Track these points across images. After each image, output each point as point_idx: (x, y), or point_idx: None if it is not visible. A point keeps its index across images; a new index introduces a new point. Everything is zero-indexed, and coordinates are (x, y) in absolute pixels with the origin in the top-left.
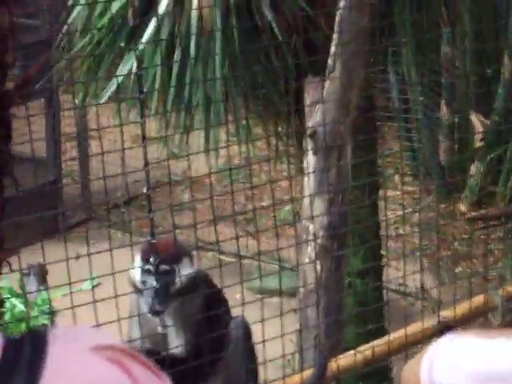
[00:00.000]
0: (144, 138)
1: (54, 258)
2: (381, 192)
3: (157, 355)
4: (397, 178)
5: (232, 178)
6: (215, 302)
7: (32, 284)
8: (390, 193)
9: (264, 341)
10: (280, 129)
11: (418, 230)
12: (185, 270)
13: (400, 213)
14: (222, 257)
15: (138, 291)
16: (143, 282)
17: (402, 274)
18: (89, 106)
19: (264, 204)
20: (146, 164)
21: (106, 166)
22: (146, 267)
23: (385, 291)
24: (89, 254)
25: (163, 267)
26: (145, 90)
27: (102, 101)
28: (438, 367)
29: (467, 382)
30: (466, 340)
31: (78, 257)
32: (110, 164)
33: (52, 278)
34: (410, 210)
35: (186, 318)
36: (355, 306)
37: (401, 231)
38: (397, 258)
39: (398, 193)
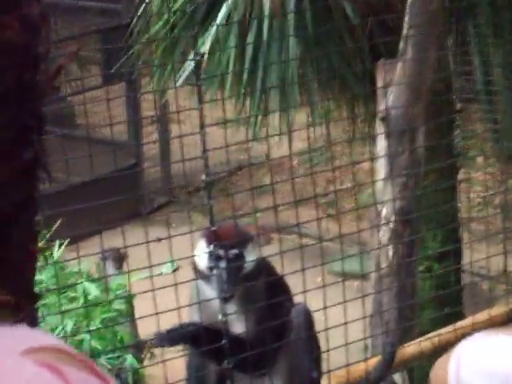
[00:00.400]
0: (202, 125)
1: (134, 241)
2: (464, 174)
3: (219, 336)
4: (480, 160)
5: (313, 161)
6: (277, 288)
7: (109, 268)
8: (473, 175)
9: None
10: (357, 111)
11: (502, 211)
12: (251, 255)
13: (483, 195)
14: (304, 240)
15: (204, 277)
16: (211, 268)
17: (484, 256)
18: (165, 89)
19: (345, 186)
20: (204, 151)
21: (187, 148)
22: (216, 252)
23: (465, 274)
24: (170, 237)
25: (232, 252)
26: (219, 72)
27: (178, 84)
28: (466, 365)
29: (492, 382)
30: (497, 339)
31: (158, 240)
32: (190, 147)
33: (132, 261)
34: (493, 191)
35: (249, 304)
36: (433, 289)
37: (484, 213)
38: (479, 240)
39: (481, 175)
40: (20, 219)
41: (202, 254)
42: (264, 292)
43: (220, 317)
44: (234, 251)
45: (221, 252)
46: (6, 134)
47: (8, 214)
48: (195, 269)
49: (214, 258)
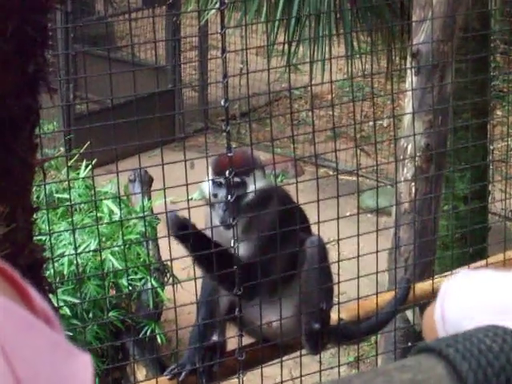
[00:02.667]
0: (224, 50)
1: (168, 165)
2: (501, 118)
3: (229, 259)
4: None
5: (352, 94)
6: (291, 218)
7: (136, 190)
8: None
9: (358, 256)
10: (392, 47)
11: None
12: (256, 183)
13: None
14: (337, 176)
15: (210, 204)
16: (214, 195)
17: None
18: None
19: (382, 123)
20: (225, 76)
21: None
22: (217, 180)
23: (493, 217)
24: (207, 156)
25: (234, 180)
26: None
27: (213, 11)
28: (451, 305)
29: (480, 315)
30: (480, 274)
31: (192, 164)
32: (229, 75)
33: (162, 185)
34: None
35: (257, 231)
36: (458, 230)
37: None
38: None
39: None
40: (21, 131)
41: (206, 181)
42: (274, 220)
43: (232, 243)
44: (235, 179)
45: (222, 179)
46: (10, 45)
47: (10, 126)
48: (203, 195)
49: (217, 185)
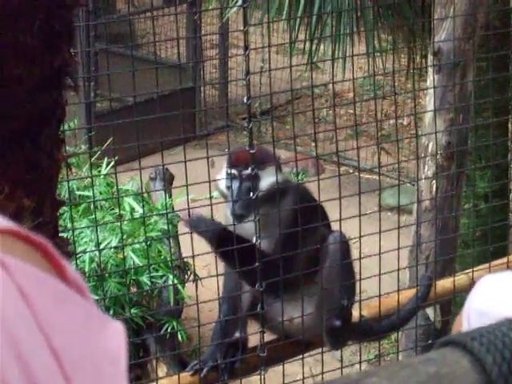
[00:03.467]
0: (246, 47)
1: (188, 163)
2: None
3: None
4: None
5: (370, 93)
6: (309, 214)
7: (158, 188)
8: None
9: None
10: (413, 45)
11: None
12: (270, 177)
13: None
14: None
15: (224, 197)
16: (228, 188)
17: None
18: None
19: (402, 121)
20: (247, 73)
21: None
22: (231, 172)
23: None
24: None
25: (246, 172)
26: None
27: (234, 9)
28: (475, 303)
29: (504, 310)
30: (503, 275)
31: (212, 163)
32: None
33: (182, 183)
34: None
35: (273, 226)
36: (479, 227)
37: None
38: None
39: None
40: (48, 126)
41: (221, 174)
42: (290, 215)
43: (254, 238)
44: (247, 172)
45: (235, 172)
46: (37, 40)
47: (38, 121)
48: (218, 188)
49: (230, 177)
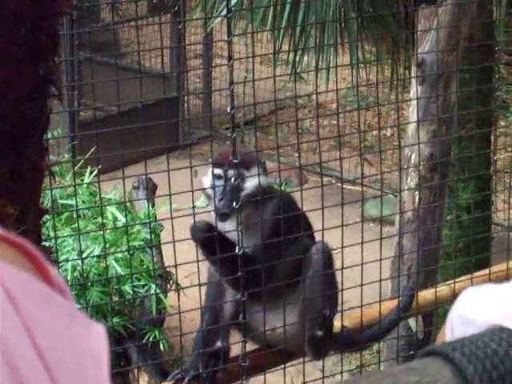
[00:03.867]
0: (230, 58)
1: (171, 172)
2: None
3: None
4: None
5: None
6: (293, 219)
7: (140, 197)
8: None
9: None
10: (396, 57)
11: None
12: (255, 179)
13: None
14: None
15: (208, 197)
16: (213, 187)
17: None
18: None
19: (385, 132)
20: (231, 83)
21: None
22: (215, 172)
23: (496, 227)
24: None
25: (231, 172)
26: (261, 7)
27: (218, 20)
28: (457, 313)
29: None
30: (485, 286)
31: (195, 172)
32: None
33: (165, 192)
34: None
35: (257, 229)
36: (461, 239)
37: None
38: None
39: None
40: (32, 135)
41: (206, 174)
42: (274, 219)
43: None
44: (232, 172)
45: (220, 171)
46: (22, 49)
47: (22, 130)
48: (203, 189)
49: (216, 177)
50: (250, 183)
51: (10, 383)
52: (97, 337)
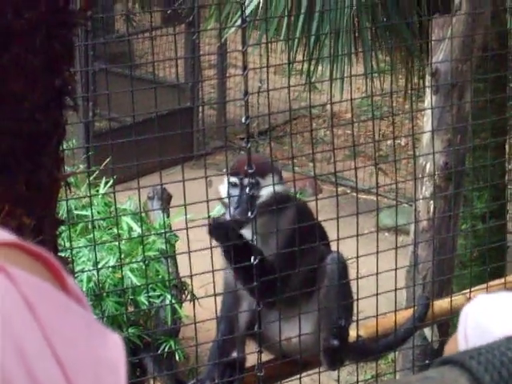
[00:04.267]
0: (245, 67)
1: (186, 183)
2: None
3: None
4: None
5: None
6: (309, 227)
7: (155, 207)
8: None
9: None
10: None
11: None
12: (271, 187)
13: None
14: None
15: (224, 206)
16: (229, 195)
17: None
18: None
19: (400, 142)
20: (246, 93)
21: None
22: (231, 180)
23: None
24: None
25: (246, 180)
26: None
27: (233, 29)
28: (471, 323)
29: (501, 330)
30: (498, 294)
31: (210, 182)
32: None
33: (179, 202)
34: None
35: (273, 236)
36: (476, 248)
37: None
38: None
39: None
40: (49, 145)
41: (222, 183)
42: (288, 229)
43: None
44: (247, 179)
45: (235, 180)
46: (38, 60)
47: (38, 140)
48: (220, 199)
49: (232, 185)
50: (266, 191)
51: None
52: (114, 346)
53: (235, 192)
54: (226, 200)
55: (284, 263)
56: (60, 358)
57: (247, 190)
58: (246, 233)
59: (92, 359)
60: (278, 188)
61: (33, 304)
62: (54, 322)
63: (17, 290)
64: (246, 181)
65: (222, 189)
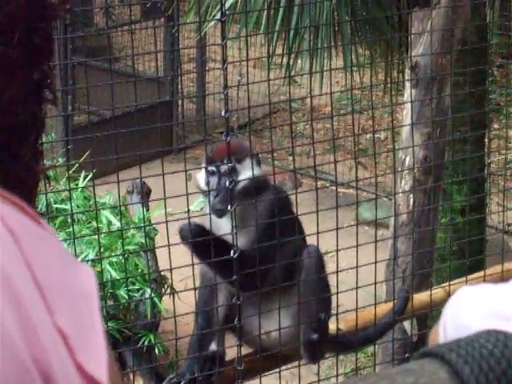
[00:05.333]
0: (224, 61)
1: (165, 176)
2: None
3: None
4: None
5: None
6: (287, 212)
7: (134, 201)
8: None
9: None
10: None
11: None
12: (248, 171)
13: None
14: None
15: (203, 194)
16: (207, 184)
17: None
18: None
19: (379, 136)
20: (226, 87)
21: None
22: (209, 168)
23: (490, 230)
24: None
25: (225, 167)
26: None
27: (212, 23)
28: (451, 315)
29: (482, 323)
30: (480, 286)
31: (189, 176)
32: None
33: (159, 196)
34: None
35: (252, 221)
36: (455, 241)
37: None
38: (506, 196)
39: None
40: (28, 139)
41: (200, 171)
42: (270, 211)
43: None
44: (226, 166)
45: (213, 167)
46: (16, 52)
47: (17, 133)
48: (197, 186)
49: (209, 173)
50: (244, 176)
51: (10, 313)
52: (87, 278)
53: (214, 180)
54: (204, 187)
55: (263, 248)
56: (39, 283)
57: (225, 177)
58: (227, 220)
59: (67, 285)
60: (256, 171)
61: (17, 234)
62: (34, 251)
63: (2, 224)
64: (223, 168)
65: (200, 178)
